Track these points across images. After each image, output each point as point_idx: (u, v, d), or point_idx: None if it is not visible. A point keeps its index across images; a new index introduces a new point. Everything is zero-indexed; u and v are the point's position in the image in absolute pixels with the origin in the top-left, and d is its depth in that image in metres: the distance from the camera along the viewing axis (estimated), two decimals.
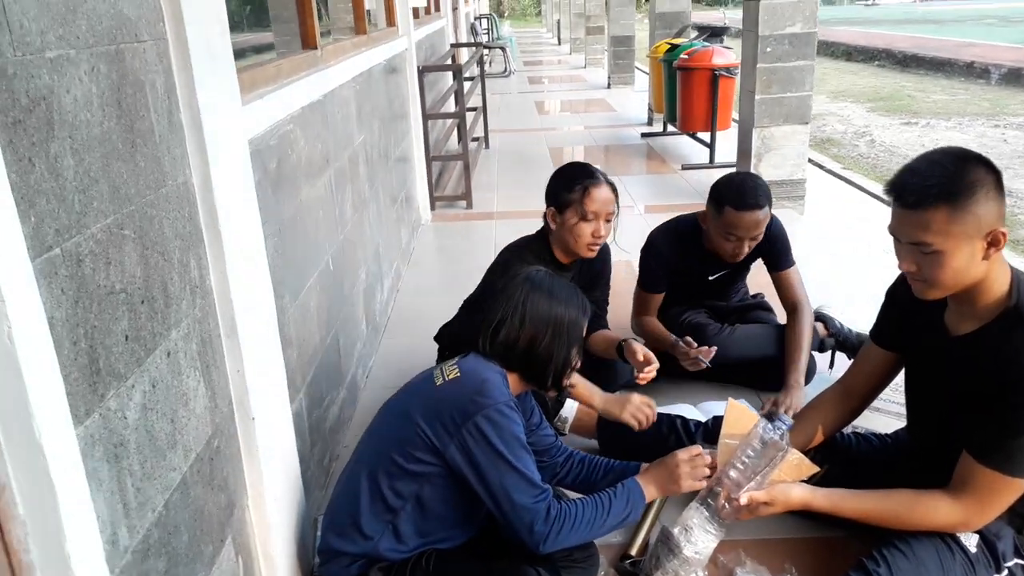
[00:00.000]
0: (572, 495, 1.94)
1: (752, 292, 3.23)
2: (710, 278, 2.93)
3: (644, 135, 8.13)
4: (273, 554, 1.79)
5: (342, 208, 2.82)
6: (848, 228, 4.76)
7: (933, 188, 1.56)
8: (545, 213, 2.49)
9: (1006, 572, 1.76)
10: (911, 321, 1.90)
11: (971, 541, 1.75)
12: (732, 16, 10.34)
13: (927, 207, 1.56)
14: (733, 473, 1.78)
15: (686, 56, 6.66)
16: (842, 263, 4.16)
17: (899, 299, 1.95)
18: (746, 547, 2.05)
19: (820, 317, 3.18)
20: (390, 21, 4.58)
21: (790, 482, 1.79)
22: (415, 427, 1.72)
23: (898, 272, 1.79)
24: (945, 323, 1.79)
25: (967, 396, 1.69)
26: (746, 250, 2.66)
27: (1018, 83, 11.66)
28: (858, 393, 2.07)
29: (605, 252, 2.67)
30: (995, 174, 1.59)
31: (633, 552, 1.98)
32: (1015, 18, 23.16)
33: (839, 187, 6.21)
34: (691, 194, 5.80)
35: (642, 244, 2.95)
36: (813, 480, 1.82)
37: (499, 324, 1.82)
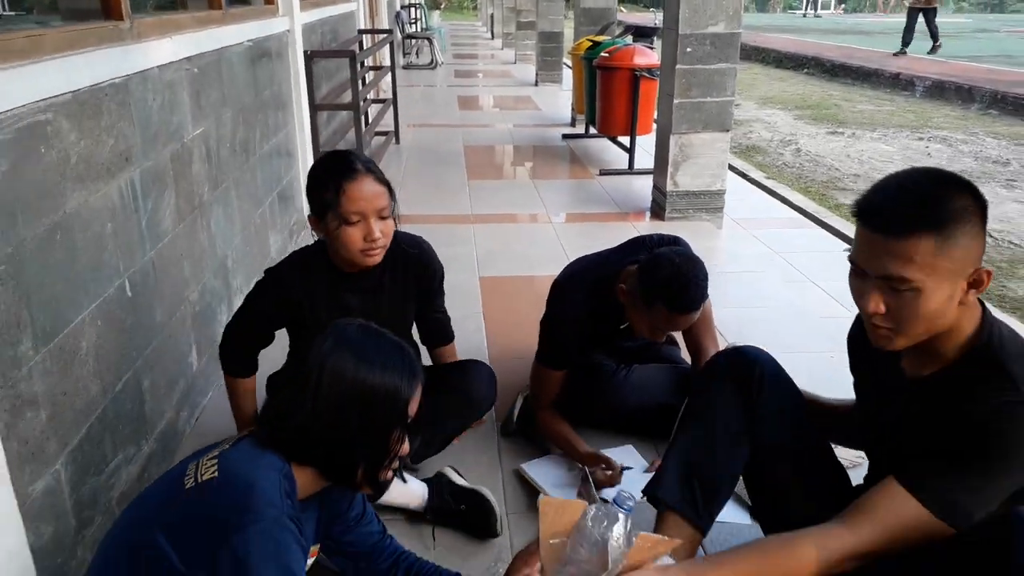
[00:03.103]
0: None
1: None
2: (625, 344, 2.52)
3: (566, 136, 7.73)
4: None
5: (153, 217, 2.29)
6: (769, 244, 4.43)
7: (920, 213, 1.25)
8: (311, 226, 2.01)
9: None
10: (866, 363, 1.61)
11: None
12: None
13: (911, 235, 1.24)
14: None
15: (607, 55, 6.26)
16: (761, 282, 3.82)
17: (859, 344, 1.63)
18: None
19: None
20: None
21: (640, 568, 1.37)
22: (154, 547, 1.23)
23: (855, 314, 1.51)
24: (903, 366, 1.48)
25: (926, 445, 1.36)
26: (664, 339, 2.29)
27: (942, 96, 11.70)
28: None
29: (418, 254, 2.18)
30: (982, 203, 1.29)
31: None
32: (942, 32, 23.70)
33: (761, 198, 5.91)
34: (607, 203, 5.41)
35: (551, 309, 2.38)
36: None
37: (284, 400, 1.35)
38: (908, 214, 1.25)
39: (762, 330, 3.23)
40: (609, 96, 6.18)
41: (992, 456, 1.28)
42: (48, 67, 1.73)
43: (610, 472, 2.14)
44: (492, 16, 22.07)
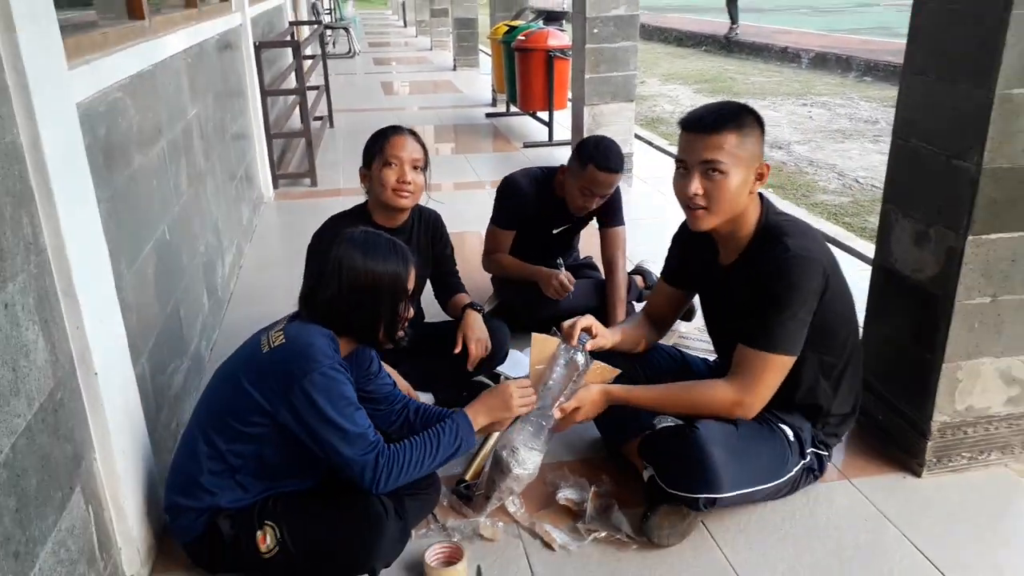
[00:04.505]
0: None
1: (583, 255, 3.54)
2: (554, 231, 3.19)
3: (489, 115, 8.36)
4: (123, 505, 1.85)
5: (177, 180, 2.84)
6: (671, 198, 5.18)
7: (726, 116, 1.89)
8: (360, 179, 2.57)
9: (808, 458, 2.12)
10: (693, 262, 2.23)
11: (788, 432, 2.07)
12: (571, 2, 10.74)
13: (721, 130, 1.88)
14: (547, 393, 2.01)
15: (523, 38, 6.92)
16: (665, 227, 4.55)
17: (683, 244, 2.28)
18: (569, 466, 2.32)
19: (640, 271, 3.54)
20: None
21: (591, 385, 2.06)
22: (245, 393, 1.79)
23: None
24: (719, 260, 2.11)
25: (744, 310, 1.99)
26: (593, 206, 2.98)
27: (824, 66, 12.82)
28: (656, 321, 2.40)
29: (435, 220, 2.76)
30: (762, 123, 1.96)
31: (468, 477, 2.19)
32: (824, 8, 25.25)
33: (665, 161, 6.69)
34: None
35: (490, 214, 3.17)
36: (618, 381, 2.12)
37: (318, 288, 1.85)
38: (719, 116, 1.91)
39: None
40: (527, 75, 6.86)
41: (788, 297, 1.90)
42: (118, 57, 2.28)
43: (563, 281, 2.94)
44: (404, 4, 22.39)
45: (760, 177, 1.95)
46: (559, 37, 6.88)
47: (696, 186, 1.93)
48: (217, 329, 3.35)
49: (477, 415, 1.99)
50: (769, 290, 1.92)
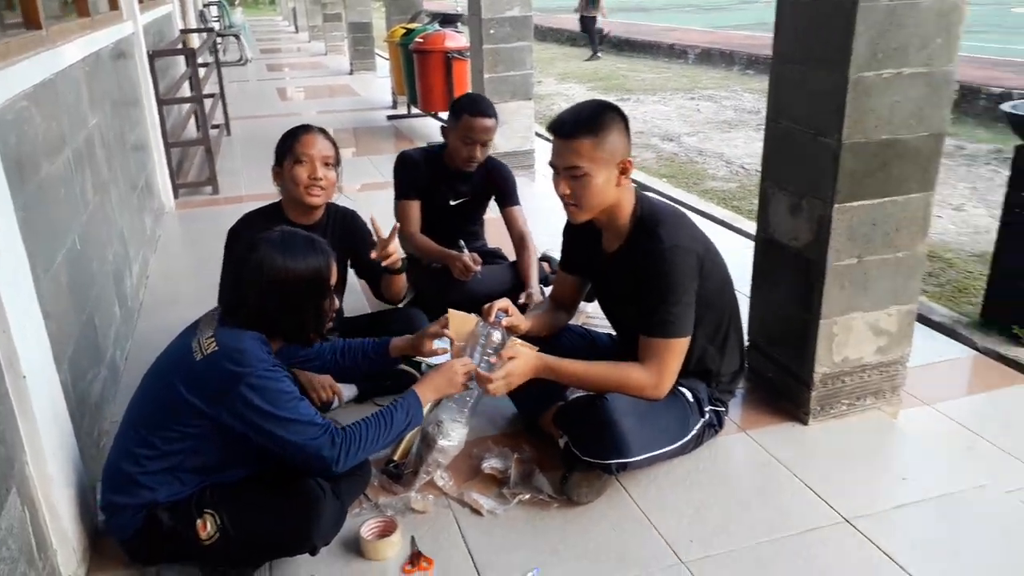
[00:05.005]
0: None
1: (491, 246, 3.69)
2: (452, 203, 3.34)
3: (390, 117, 8.42)
4: (56, 506, 1.88)
5: (83, 188, 2.83)
6: None
7: (582, 122, 2.05)
8: (273, 177, 2.62)
9: (708, 415, 2.33)
10: (581, 250, 2.41)
11: (687, 394, 2.27)
12: (465, 5, 10.89)
13: (577, 137, 2.04)
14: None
15: (420, 40, 7.04)
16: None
17: (571, 234, 2.46)
18: (493, 439, 2.47)
19: (546, 258, 3.71)
20: (113, 4, 4.44)
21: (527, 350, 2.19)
22: (182, 398, 1.82)
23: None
24: (603, 247, 2.30)
25: (630, 295, 2.19)
26: (478, 155, 3.18)
27: (709, 62, 13.45)
28: (562, 305, 2.57)
29: (351, 216, 2.83)
30: (624, 118, 2.12)
31: (396, 458, 2.30)
32: (709, 6, 26.29)
33: None
34: None
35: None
36: None
37: (241, 295, 1.89)
38: (575, 124, 2.06)
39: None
40: (427, 77, 6.98)
41: (672, 287, 2.08)
42: (18, 68, 2.27)
43: (466, 263, 3.07)
44: (294, 10, 22.06)
45: (624, 171, 2.11)
46: (456, 39, 7.02)
47: (563, 187, 2.12)
48: (130, 339, 3.32)
49: (425, 392, 2.08)
50: (653, 283, 2.11)
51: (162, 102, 5.26)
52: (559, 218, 2.39)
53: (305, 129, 2.57)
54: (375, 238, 2.50)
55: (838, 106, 2.22)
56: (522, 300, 3.09)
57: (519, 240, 3.35)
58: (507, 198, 3.39)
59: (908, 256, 2.44)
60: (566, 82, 12.33)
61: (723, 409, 2.40)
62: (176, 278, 4.10)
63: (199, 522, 1.89)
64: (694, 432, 2.29)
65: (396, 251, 2.54)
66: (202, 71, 7.40)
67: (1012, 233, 3.21)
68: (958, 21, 2.24)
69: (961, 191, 5.78)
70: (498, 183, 3.38)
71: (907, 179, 2.35)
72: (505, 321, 2.22)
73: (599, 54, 15.18)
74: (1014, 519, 2.14)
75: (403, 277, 2.71)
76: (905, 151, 2.31)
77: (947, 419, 2.62)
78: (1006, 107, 3.25)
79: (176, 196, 5.44)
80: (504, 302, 2.28)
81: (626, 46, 16.37)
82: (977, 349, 3.13)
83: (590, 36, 15.23)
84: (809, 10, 2.30)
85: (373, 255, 2.48)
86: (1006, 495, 2.23)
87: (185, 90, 6.35)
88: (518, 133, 5.81)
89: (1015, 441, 2.48)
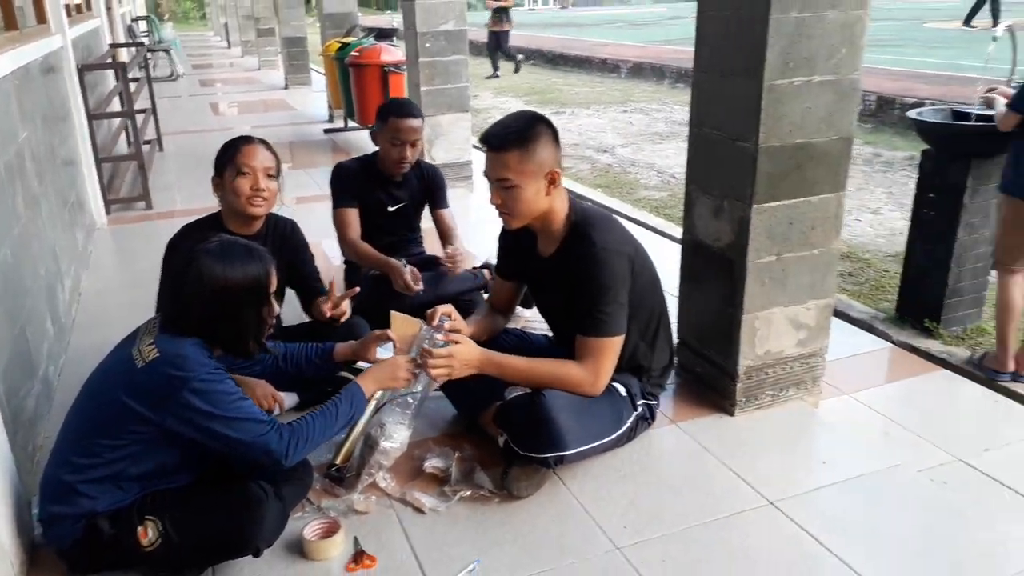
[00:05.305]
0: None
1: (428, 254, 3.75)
2: (389, 209, 3.41)
3: (327, 131, 8.41)
4: None
5: (15, 202, 2.79)
6: None
7: (510, 136, 2.13)
8: (213, 188, 2.62)
9: (640, 409, 2.43)
10: (518, 255, 2.49)
11: (620, 389, 2.37)
12: (400, 20, 10.94)
13: (506, 150, 2.13)
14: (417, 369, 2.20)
15: (356, 54, 7.06)
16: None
17: (506, 240, 2.55)
18: (434, 440, 2.52)
19: (487, 265, 3.79)
20: (40, 18, 4.38)
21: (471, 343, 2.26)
22: (124, 405, 1.83)
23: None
24: (539, 251, 2.38)
25: (565, 297, 2.28)
26: (408, 156, 3.27)
27: (641, 75, 13.77)
28: (500, 310, 2.66)
29: (290, 227, 2.85)
30: (552, 130, 2.20)
31: (338, 462, 2.33)
32: (640, 22, 26.91)
33: None
34: None
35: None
36: None
37: (182, 305, 1.90)
38: (503, 137, 2.15)
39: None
40: (363, 90, 7.00)
41: (605, 288, 2.18)
42: None
43: (408, 282, 3.10)
44: (227, 25, 21.76)
45: (552, 182, 2.20)
46: (392, 52, 7.07)
47: (496, 197, 2.22)
48: (63, 356, 3.27)
49: (368, 384, 2.13)
50: (588, 284, 2.20)
51: (92, 117, 5.18)
52: (497, 227, 2.46)
53: (246, 140, 2.59)
54: (328, 294, 2.61)
55: (754, 112, 2.35)
56: (448, 251, 3.30)
57: (446, 234, 3.47)
58: (440, 201, 3.53)
59: (824, 253, 2.60)
60: (502, 96, 12.47)
61: (655, 403, 2.51)
62: (109, 295, 4.03)
63: (140, 529, 1.89)
64: (627, 425, 2.39)
65: (347, 310, 2.65)
66: (133, 86, 7.29)
67: (921, 233, 3.41)
68: (861, 33, 2.40)
69: (878, 196, 6.08)
70: (431, 187, 3.51)
71: (820, 180, 2.50)
72: (448, 324, 2.28)
73: (519, 68, 14.94)
74: (926, 495, 2.29)
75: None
76: (817, 154, 2.46)
77: (864, 407, 2.78)
78: (912, 114, 3.45)
79: (108, 212, 5.35)
80: (447, 307, 2.34)
81: (560, 60, 16.63)
82: (892, 342, 3.32)
83: (498, 52, 14.66)
84: (726, 23, 2.44)
85: (325, 309, 2.59)
86: (918, 474, 2.38)
87: (115, 105, 6.25)
88: (456, 145, 5.89)
89: (927, 425, 2.65)
